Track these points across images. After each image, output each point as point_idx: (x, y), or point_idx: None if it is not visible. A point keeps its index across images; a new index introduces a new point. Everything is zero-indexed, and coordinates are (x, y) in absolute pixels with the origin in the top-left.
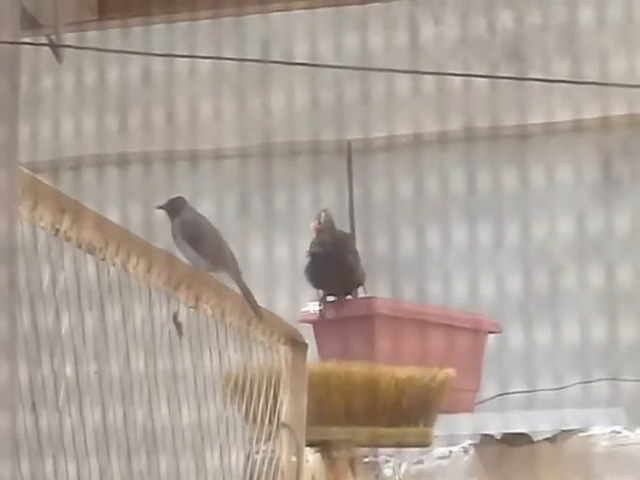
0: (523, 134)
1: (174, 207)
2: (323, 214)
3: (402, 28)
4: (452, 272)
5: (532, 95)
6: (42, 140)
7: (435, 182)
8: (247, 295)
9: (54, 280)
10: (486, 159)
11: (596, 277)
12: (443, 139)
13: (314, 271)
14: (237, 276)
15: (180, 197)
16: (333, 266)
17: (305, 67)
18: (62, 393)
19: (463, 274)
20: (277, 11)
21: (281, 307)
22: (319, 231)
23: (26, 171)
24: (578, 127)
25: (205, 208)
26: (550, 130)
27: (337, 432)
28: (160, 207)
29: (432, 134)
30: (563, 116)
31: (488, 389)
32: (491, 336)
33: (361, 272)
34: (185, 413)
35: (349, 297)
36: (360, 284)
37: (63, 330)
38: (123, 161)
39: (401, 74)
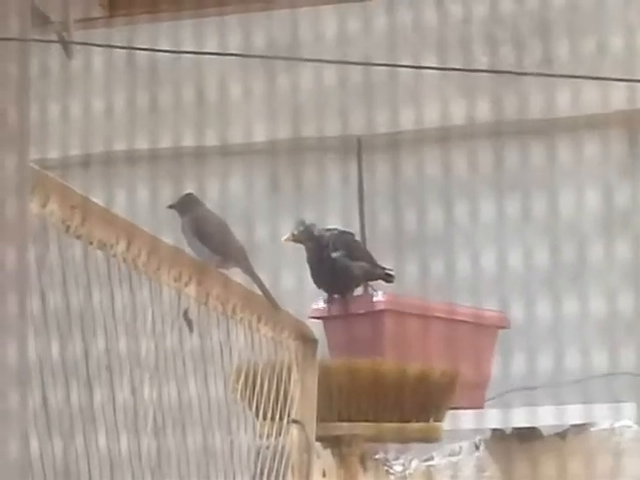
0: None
1: (184, 204)
2: (300, 226)
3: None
4: (479, 247)
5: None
6: (52, 135)
7: (464, 159)
8: (261, 287)
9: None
10: (513, 138)
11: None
12: (470, 122)
13: (310, 273)
14: (249, 270)
15: (190, 193)
16: (320, 268)
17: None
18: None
19: (491, 249)
20: (282, 8)
21: (310, 290)
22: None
23: (36, 167)
24: (605, 104)
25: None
26: (576, 108)
27: (348, 428)
28: (171, 206)
29: (460, 119)
30: (590, 95)
31: (499, 384)
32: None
33: (360, 270)
34: (196, 409)
35: (356, 294)
36: (358, 284)
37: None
38: (153, 156)
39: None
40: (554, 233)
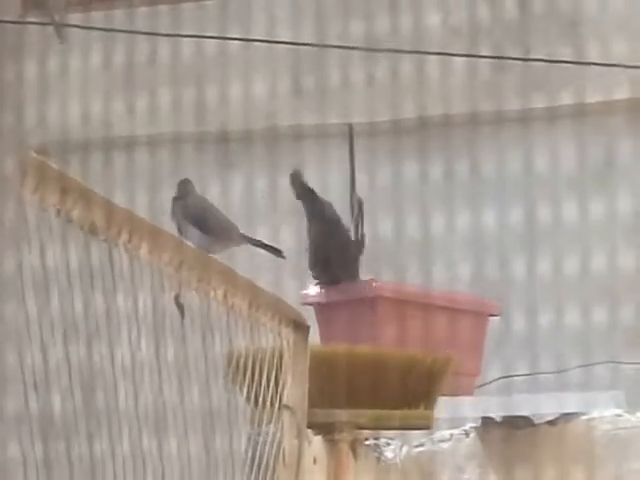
0: (552, 115)
1: (179, 191)
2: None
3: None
4: (456, 256)
5: (562, 73)
6: (50, 122)
7: (440, 166)
8: (261, 245)
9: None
10: (491, 142)
11: (598, 263)
12: (447, 122)
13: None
14: (246, 239)
15: (184, 180)
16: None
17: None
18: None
19: (467, 258)
20: None
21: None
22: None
23: (29, 151)
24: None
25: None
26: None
27: (338, 414)
28: (176, 197)
29: (437, 117)
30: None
31: (490, 372)
32: (494, 319)
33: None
34: (188, 395)
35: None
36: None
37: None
38: (153, 142)
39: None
40: (531, 244)
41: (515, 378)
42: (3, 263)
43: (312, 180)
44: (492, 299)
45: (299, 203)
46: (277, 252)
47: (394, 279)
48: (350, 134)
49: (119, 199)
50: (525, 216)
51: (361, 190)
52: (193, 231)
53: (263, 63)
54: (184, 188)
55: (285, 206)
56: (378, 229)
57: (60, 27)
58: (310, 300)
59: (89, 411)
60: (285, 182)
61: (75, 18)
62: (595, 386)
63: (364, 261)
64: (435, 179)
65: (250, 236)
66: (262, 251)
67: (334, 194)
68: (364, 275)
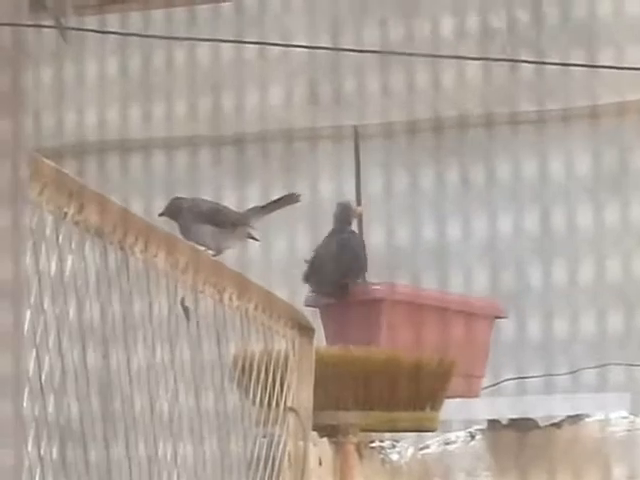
0: (567, 118)
1: (172, 208)
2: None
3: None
4: (472, 261)
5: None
6: (67, 126)
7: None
8: (274, 206)
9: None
10: (506, 146)
11: (613, 269)
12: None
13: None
14: (258, 212)
15: (176, 198)
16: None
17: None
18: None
19: (483, 263)
20: None
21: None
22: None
23: (34, 154)
24: None
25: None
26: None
27: (344, 417)
28: (161, 214)
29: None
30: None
31: (499, 374)
32: (509, 323)
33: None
34: (193, 398)
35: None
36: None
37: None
38: (169, 147)
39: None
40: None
41: (521, 380)
42: (17, 267)
43: (327, 184)
44: (507, 304)
45: (316, 209)
46: (291, 198)
47: (410, 284)
48: (355, 137)
49: (135, 204)
50: (540, 221)
51: (376, 194)
52: (205, 229)
53: (279, 69)
54: (178, 204)
55: (301, 212)
56: (395, 234)
57: (65, 30)
58: (314, 302)
59: (105, 416)
60: (301, 187)
61: (91, 22)
62: (601, 388)
63: (380, 266)
64: (451, 183)
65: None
66: (264, 250)
67: (349, 198)
68: (379, 279)
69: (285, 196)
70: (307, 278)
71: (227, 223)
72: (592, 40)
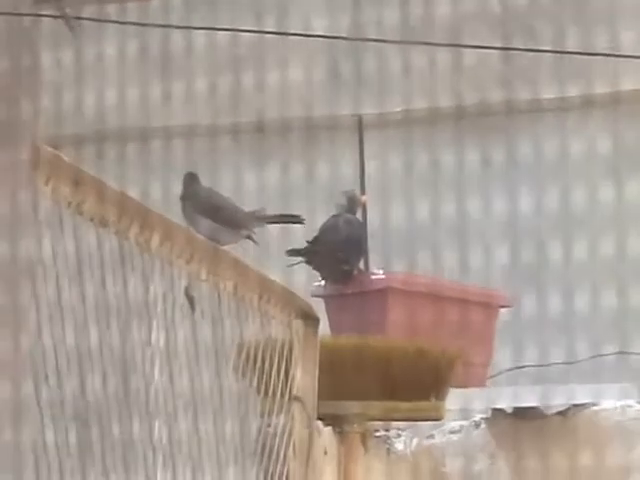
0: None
1: (185, 186)
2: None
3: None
4: (466, 243)
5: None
6: (86, 112)
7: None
8: (277, 220)
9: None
10: (528, 129)
11: (607, 248)
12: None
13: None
14: (260, 219)
15: (189, 173)
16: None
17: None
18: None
19: (478, 245)
20: None
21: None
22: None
23: (40, 143)
24: None
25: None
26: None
27: (349, 406)
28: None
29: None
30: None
31: (501, 362)
32: (526, 300)
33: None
34: (198, 384)
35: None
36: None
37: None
38: (189, 132)
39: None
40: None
41: (525, 369)
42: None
43: (348, 169)
44: (527, 281)
45: (333, 194)
46: (295, 219)
47: (427, 268)
48: (360, 126)
49: (154, 189)
50: (535, 204)
51: (397, 178)
52: (204, 222)
53: (299, 51)
54: (190, 183)
55: (320, 196)
56: (414, 215)
57: (70, 20)
58: (319, 292)
59: (125, 395)
60: (322, 170)
61: (111, 9)
62: (605, 377)
63: (399, 246)
64: (472, 166)
65: (264, 214)
66: (271, 243)
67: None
68: (399, 259)
69: (292, 215)
70: (308, 258)
71: (227, 222)
72: (614, 26)
